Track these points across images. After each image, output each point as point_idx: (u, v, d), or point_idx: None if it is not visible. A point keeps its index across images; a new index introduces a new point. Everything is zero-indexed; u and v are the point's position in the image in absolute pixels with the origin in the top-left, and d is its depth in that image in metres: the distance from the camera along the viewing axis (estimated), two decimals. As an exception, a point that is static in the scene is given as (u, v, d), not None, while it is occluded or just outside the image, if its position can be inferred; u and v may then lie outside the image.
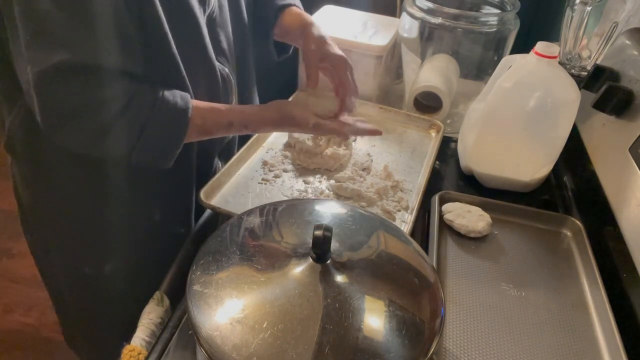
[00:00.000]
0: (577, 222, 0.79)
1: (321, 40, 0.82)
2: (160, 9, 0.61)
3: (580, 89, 0.82)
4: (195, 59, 0.70)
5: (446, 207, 0.79)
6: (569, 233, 0.79)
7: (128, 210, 0.76)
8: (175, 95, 0.65)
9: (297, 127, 0.73)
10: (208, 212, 0.80)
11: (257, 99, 0.95)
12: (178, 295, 0.65)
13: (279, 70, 0.88)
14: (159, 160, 0.66)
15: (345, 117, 0.78)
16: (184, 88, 0.68)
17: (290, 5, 0.90)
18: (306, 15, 0.89)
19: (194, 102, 0.67)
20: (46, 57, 0.55)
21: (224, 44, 0.77)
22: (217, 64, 0.75)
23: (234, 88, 0.81)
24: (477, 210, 0.78)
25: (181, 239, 0.77)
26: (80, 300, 0.89)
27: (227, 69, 0.78)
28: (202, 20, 0.69)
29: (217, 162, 0.90)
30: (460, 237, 0.77)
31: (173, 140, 0.65)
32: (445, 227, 0.78)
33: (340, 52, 0.82)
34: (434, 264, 0.67)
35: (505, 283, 0.70)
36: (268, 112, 0.72)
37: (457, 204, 0.80)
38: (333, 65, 0.81)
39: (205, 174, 0.82)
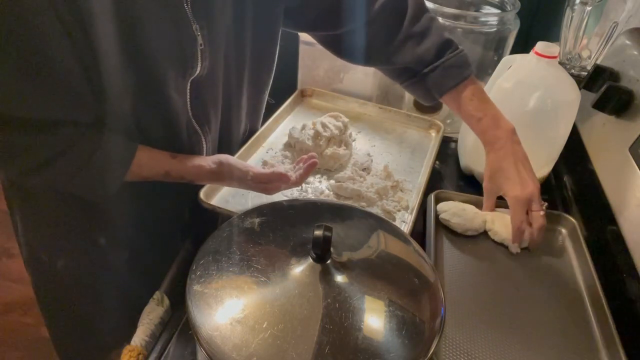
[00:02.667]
0: (572, 219, 0.79)
1: (504, 173, 0.74)
2: (121, 67, 0.59)
3: (580, 89, 0.82)
4: (157, 117, 0.67)
5: (440, 206, 0.79)
6: (564, 230, 0.80)
7: (128, 210, 0.76)
8: (119, 146, 0.64)
9: (236, 180, 0.72)
10: (208, 212, 0.80)
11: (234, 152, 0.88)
12: (178, 295, 0.65)
13: (278, 70, 0.88)
14: (93, 197, 0.66)
15: (285, 168, 0.76)
16: (134, 138, 0.66)
17: (469, 76, 0.78)
18: (500, 118, 0.76)
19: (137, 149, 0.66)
20: None
21: (209, 104, 0.73)
22: (184, 122, 0.71)
23: (206, 144, 0.76)
24: (471, 209, 0.78)
25: (181, 239, 0.77)
26: (80, 301, 0.88)
27: (199, 130, 0.74)
28: (176, 83, 0.65)
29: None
30: (457, 236, 0.77)
31: (108, 184, 0.64)
32: (441, 226, 0.78)
33: (520, 192, 0.72)
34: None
35: (502, 281, 0.70)
36: (207, 165, 0.70)
37: (450, 202, 0.80)
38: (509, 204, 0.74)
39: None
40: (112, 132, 0.63)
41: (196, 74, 0.67)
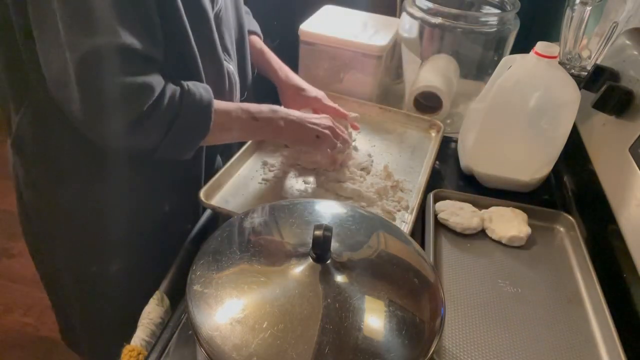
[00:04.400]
0: (570, 217, 0.79)
1: (297, 90, 0.91)
2: (180, 2, 0.62)
3: (580, 89, 0.82)
4: (206, 56, 0.71)
5: (439, 205, 0.79)
6: (562, 229, 0.80)
7: (132, 210, 0.76)
8: (198, 87, 0.67)
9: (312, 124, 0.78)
10: (208, 212, 0.80)
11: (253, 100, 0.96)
12: (178, 295, 0.65)
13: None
14: (182, 154, 0.68)
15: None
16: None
17: (253, 32, 0.94)
18: (273, 57, 0.95)
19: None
20: (88, 39, 0.55)
21: (228, 43, 0.77)
22: (224, 62, 0.76)
23: (237, 87, 0.81)
24: (468, 207, 0.79)
25: (181, 239, 0.77)
26: (80, 301, 0.89)
27: (232, 67, 0.79)
28: (212, 18, 0.70)
29: (219, 161, 0.90)
30: (455, 235, 0.77)
31: (199, 131, 0.67)
32: (440, 225, 0.78)
33: (315, 93, 0.91)
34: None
35: (502, 280, 0.70)
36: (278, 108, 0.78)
37: (448, 202, 0.80)
38: (314, 107, 0.91)
39: (206, 173, 0.83)
40: (183, 78, 0.66)
41: (217, 8, 0.72)
